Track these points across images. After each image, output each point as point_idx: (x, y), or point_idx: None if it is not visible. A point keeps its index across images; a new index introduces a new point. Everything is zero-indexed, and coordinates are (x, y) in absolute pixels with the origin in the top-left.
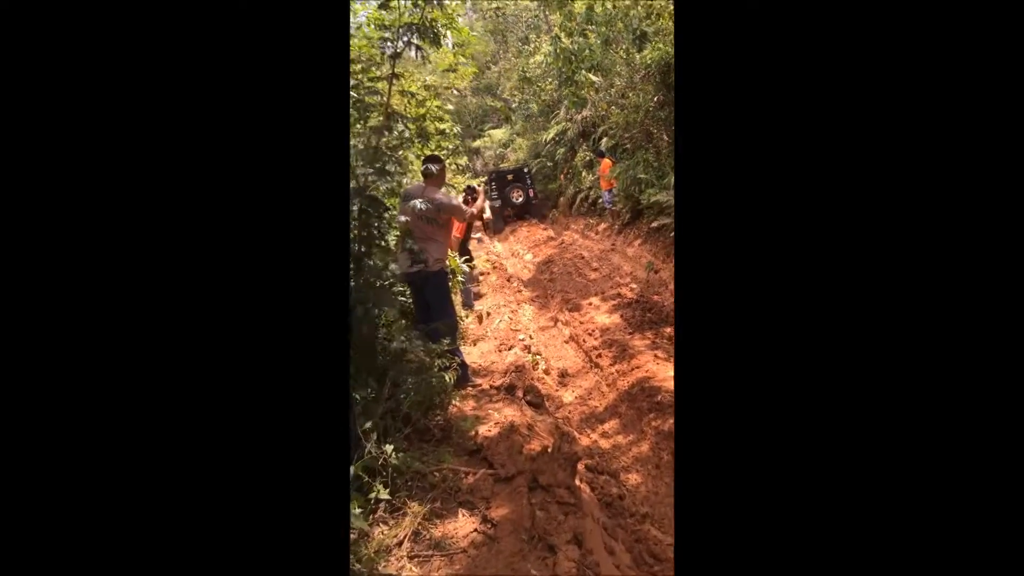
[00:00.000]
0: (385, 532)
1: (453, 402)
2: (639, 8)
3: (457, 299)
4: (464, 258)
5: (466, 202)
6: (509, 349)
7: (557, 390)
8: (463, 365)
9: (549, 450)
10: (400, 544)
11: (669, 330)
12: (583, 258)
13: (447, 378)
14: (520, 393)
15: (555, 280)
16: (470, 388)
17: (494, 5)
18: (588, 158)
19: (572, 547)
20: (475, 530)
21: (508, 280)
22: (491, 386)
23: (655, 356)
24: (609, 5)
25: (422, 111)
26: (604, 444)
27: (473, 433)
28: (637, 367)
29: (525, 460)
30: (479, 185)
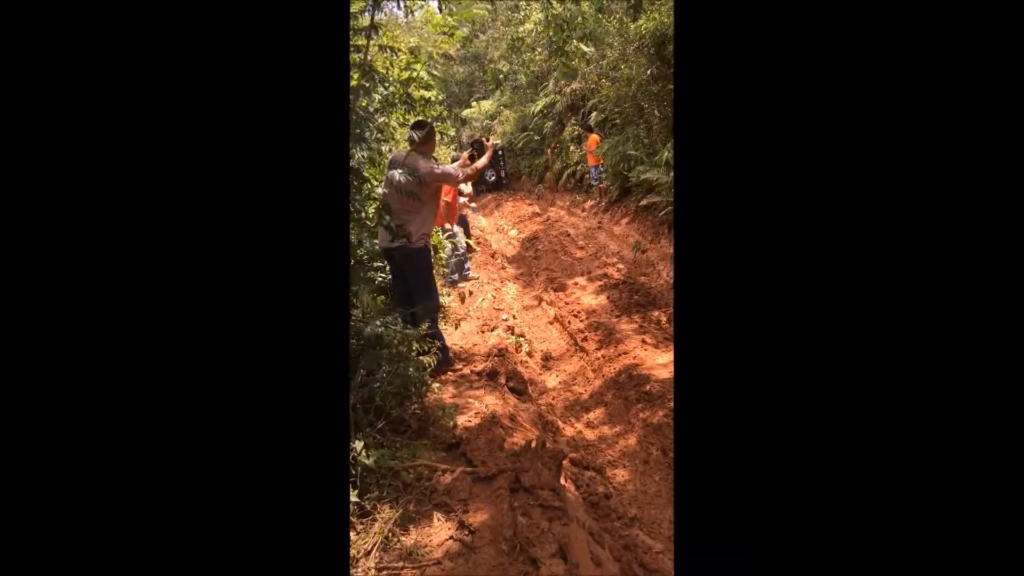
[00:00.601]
0: (352, 540)
1: (432, 390)
2: None
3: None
4: (453, 232)
5: (472, 157)
6: (492, 330)
7: (541, 374)
8: (444, 349)
9: (533, 445)
10: (368, 554)
11: (657, 314)
12: (569, 235)
13: (427, 363)
14: (503, 379)
15: (540, 258)
16: (451, 373)
17: None
18: (576, 132)
19: (556, 561)
20: (451, 537)
21: (492, 256)
22: (472, 371)
23: (642, 342)
24: None
25: (406, 75)
26: (589, 435)
27: (452, 425)
28: (624, 353)
29: (507, 457)
30: (485, 140)
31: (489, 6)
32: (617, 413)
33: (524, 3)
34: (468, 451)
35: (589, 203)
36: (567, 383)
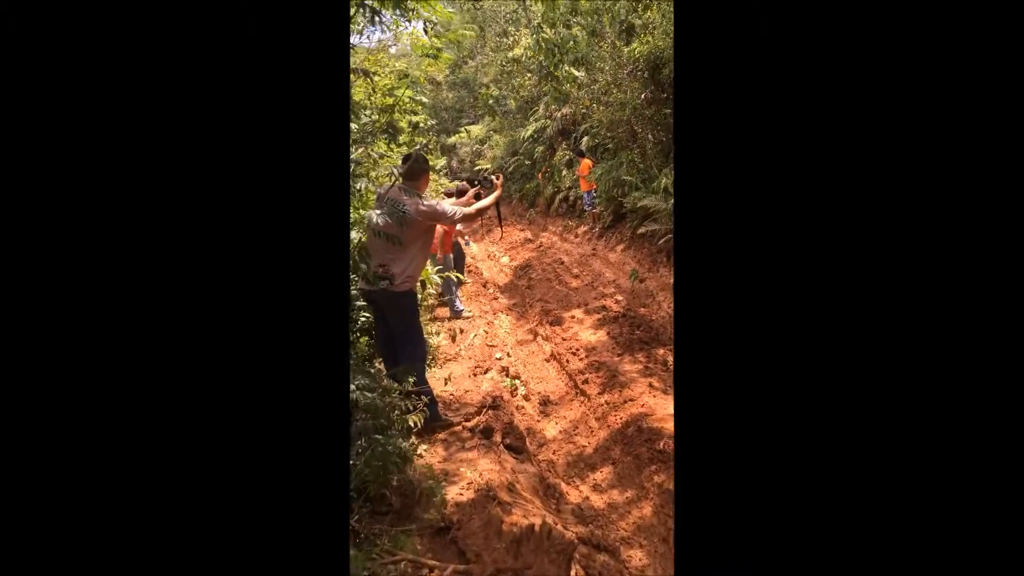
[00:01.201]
0: None
1: (418, 456)
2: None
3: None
4: (447, 261)
5: (477, 196)
6: (485, 372)
7: (539, 421)
8: (432, 403)
9: (536, 530)
10: None
11: (662, 352)
12: (563, 263)
13: (413, 423)
14: (498, 437)
15: (534, 287)
16: (439, 428)
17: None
18: (568, 157)
19: None
20: None
21: (484, 286)
22: (464, 426)
23: (649, 386)
24: None
25: (389, 101)
26: (597, 501)
27: (440, 501)
28: (630, 399)
29: (506, 547)
30: (495, 177)
31: (477, 29)
32: (627, 474)
33: (513, 28)
34: (460, 538)
35: (582, 229)
36: (568, 432)
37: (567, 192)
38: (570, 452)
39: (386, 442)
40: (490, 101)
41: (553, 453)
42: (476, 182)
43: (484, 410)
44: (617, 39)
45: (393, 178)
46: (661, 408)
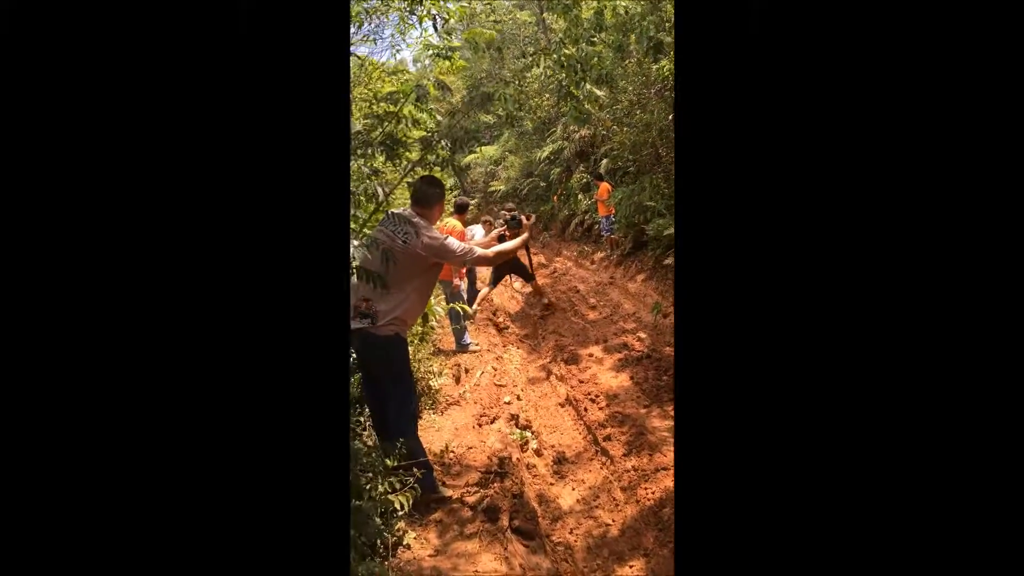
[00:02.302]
0: None
1: (404, 543)
2: (659, 13)
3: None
4: (459, 292)
5: (501, 238)
6: (492, 422)
7: (553, 484)
8: (427, 472)
9: None
10: None
11: None
12: (578, 291)
13: (400, 503)
14: (505, 519)
15: (547, 317)
16: (434, 504)
17: (492, 18)
18: (585, 180)
19: None
20: None
21: (494, 314)
22: (465, 502)
23: None
24: (621, 9)
25: (391, 108)
26: None
27: None
28: (663, 468)
29: None
30: (525, 217)
31: (496, 35)
32: (663, 569)
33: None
34: None
35: (599, 255)
36: (588, 502)
37: (583, 216)
38: (591, 531)
39: (367, 517)
40: (513, 113)
41: (570, 532)
42: (506, 222)
43: (490, 478)
44: (644, 57)
45: (379, 200)
46: None
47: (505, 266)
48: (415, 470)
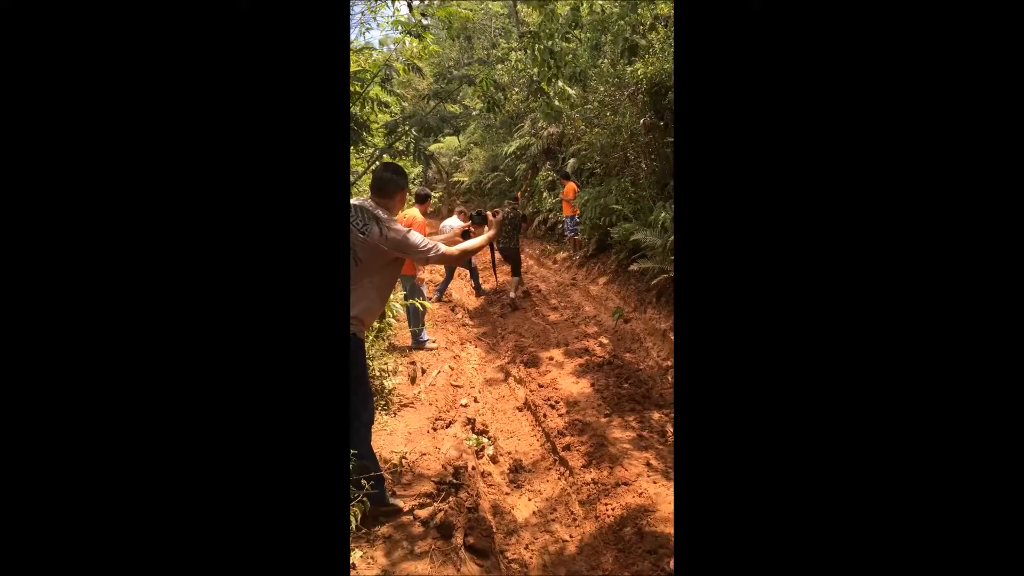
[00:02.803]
0: None
1: (351, 561)
2: (637, 13)
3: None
4: (417, 287)
5: (465, 233)
6: (447, 426)
7: (508, 494)
8: (378, 482)
9: None
10: None
11: (657, 416)
12: (539, 291)
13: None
14: (459, 536)
15: (507, 315)
16: (383, 517)
17: (464, 5)
18: (551, 178)
19: None
20: None
21: (452, 310)
22: (416, 515)
23: (647, 465)
24: (598, 7)
25: (356, 88)
26: None
27: None
28: (624, 483)
29: None
30: (492, 213)
31: (469, 22)
32: None
33: (503, 41)
34: None
35: (561, 255)
36: (545, 515)
37: (547, 215)
38: (547, 547)
39: None
40: (494, 93)
41: (526, 547)
42: (469, 218)
43: (444, 490)
44: (619, 58)
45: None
46: (666, 501)
47: (511, 252)
48: (364, 483)
